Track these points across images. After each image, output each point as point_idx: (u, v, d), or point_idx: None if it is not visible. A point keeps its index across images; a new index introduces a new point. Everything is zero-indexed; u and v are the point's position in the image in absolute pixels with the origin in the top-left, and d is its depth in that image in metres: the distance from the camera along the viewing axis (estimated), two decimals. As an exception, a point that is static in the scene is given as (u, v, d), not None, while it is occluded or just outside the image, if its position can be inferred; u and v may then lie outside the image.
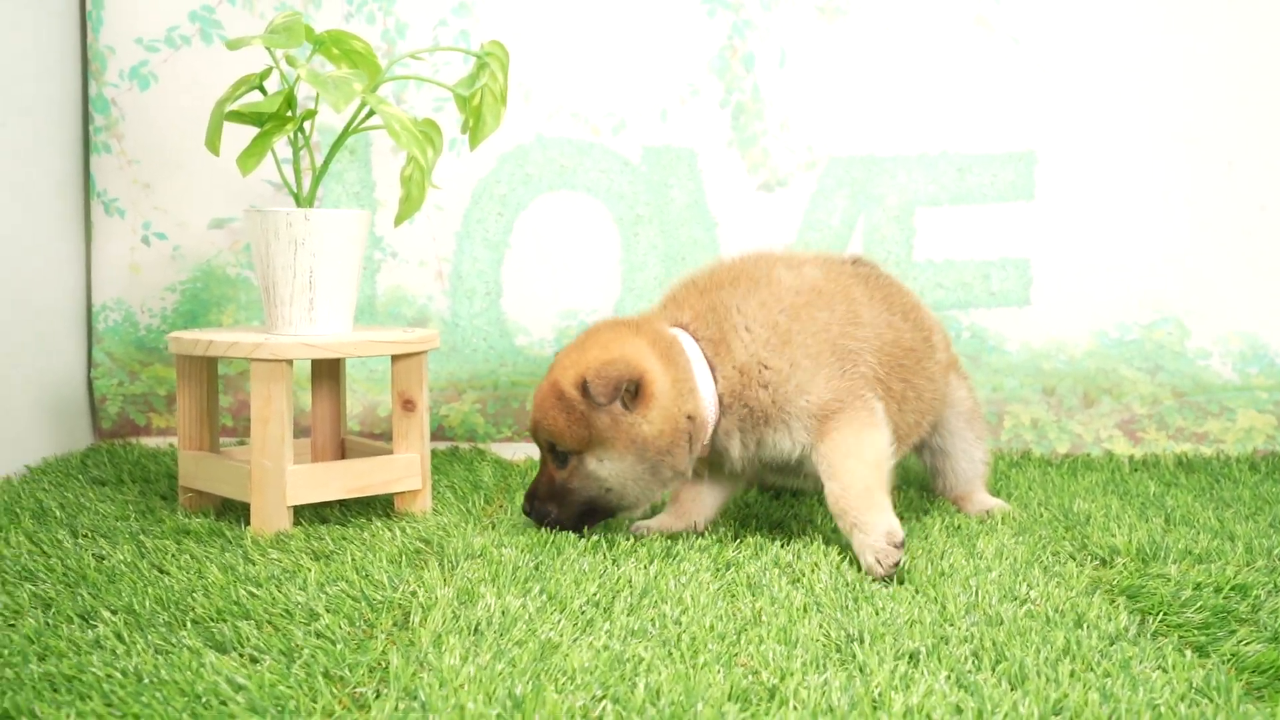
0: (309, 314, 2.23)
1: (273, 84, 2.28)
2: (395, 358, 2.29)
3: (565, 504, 2.07)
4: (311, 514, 2.28)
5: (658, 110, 2.89)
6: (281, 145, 2.32)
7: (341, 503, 2.35)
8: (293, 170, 2.27)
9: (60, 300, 2.80)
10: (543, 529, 2.08)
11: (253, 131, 2.40)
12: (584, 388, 1.99)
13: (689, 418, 2.02)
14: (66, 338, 2.83)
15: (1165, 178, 2.91)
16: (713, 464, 2.16)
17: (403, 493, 2.31)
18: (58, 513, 2.20)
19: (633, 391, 1.99)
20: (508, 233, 2.90)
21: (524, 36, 2.84)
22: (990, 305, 2.93)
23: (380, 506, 2.36)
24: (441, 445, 2.94)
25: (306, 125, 2.26)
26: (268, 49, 2.19)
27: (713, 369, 2.06)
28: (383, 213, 2.88)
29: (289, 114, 2.20)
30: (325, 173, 2.28)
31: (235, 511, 2.29)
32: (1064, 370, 2.93)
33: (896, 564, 1.86)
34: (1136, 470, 2.82)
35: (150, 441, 2.94)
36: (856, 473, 1.98)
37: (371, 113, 2.25)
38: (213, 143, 2.21)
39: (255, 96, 2.26)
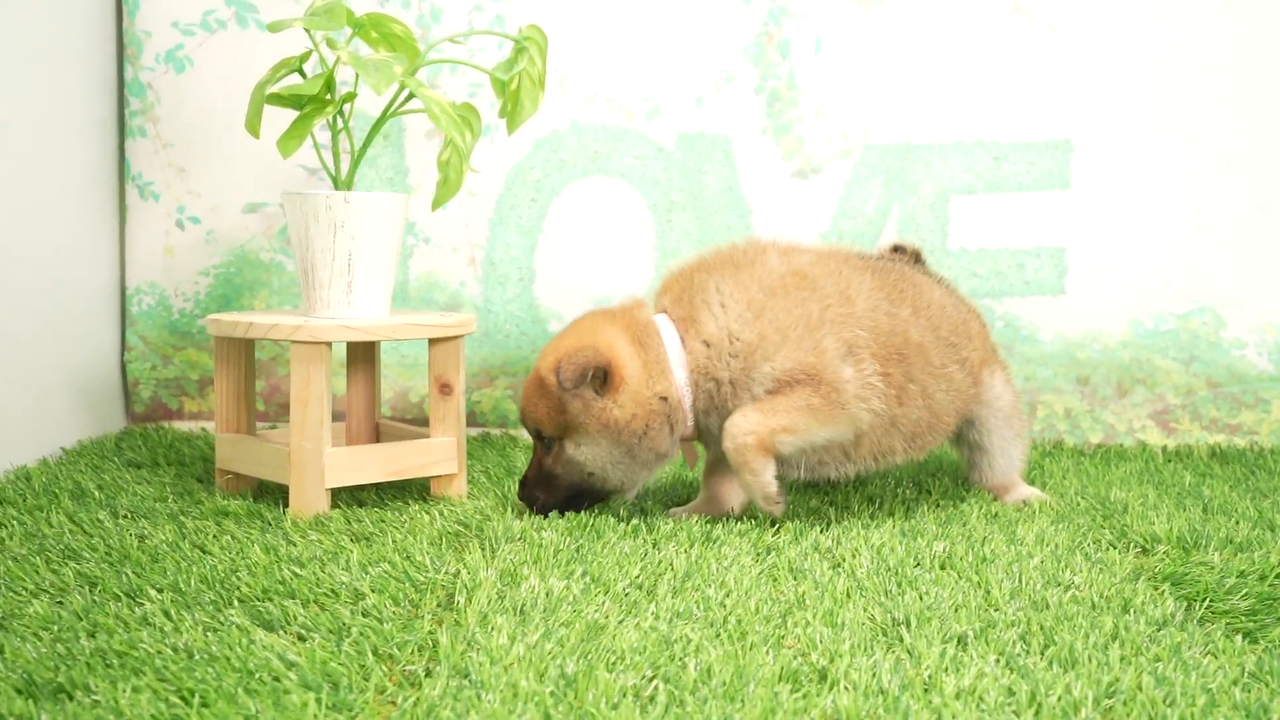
0: (347, 297, 2.23)
1: (310, 67, 2.28)
2: (433, 342, 2.29)
3: (552, 489, 2.13)
4: (348, 496, 2.28)
5: (693, 96, 2.89)
6: (318, 129, 2.32)
7: (377, 486, 2.35)
8: (331, 153, 2.27)
9: (94, 283, 2.80)
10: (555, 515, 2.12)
11: (289, 115, 2.41)
12: (557, 374, 2.05)
13: (662, 398, 2.07)
14: (100, 321, 2.84)
15: (1202, 167, 2.89)
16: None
17: (439, 476, 2.31)
18: (96, 494, 2.21)
19: (601, 378, 2.05)
20: (541, 218, 2.90)
21: (559, 21, 2.84)
22: (1025, 294, 2.92)
23: (416, 490, 2.36)
24: (474, 431, 2.94)
25: (345, 108, 2.26)
26: (308, 31, 2.19)
27: (685, 346, 2.10)
28: (415, 198, 2.88)
29: (328, 97, 2.20)
30: (364, 156, 2.28)
31: (272, 494, 2.29)
32: (1098, 360, 2.92)
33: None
34: (1170, 461, 2.80)
35: (182, 425, 2.94)
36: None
37: (411, 96, 2.25)
38: (253, 125, 2.21)
39: (294, 79, 2.26)
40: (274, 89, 2.21)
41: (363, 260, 2.22)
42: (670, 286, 2.19)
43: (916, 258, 2.42)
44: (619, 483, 2.12)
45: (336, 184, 2.28)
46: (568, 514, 2.10)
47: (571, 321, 2.21)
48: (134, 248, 2.89)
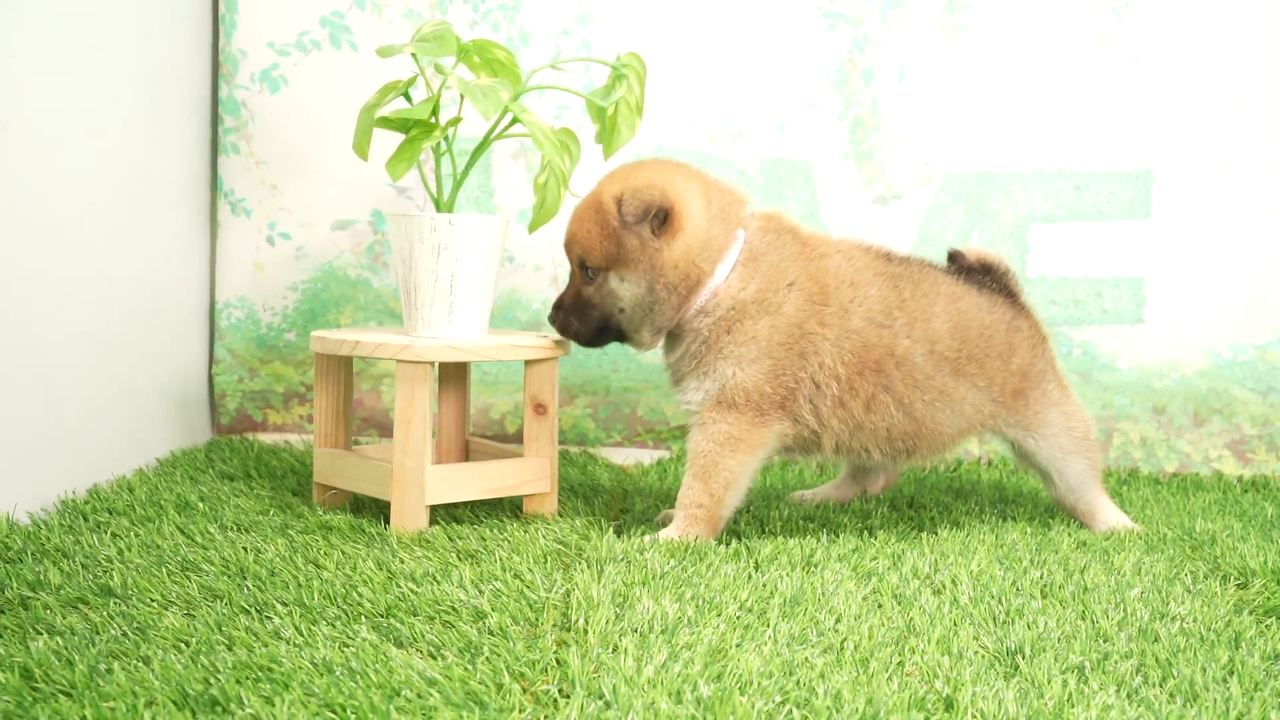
0: (449, 317, 2.27)
1: (414, 90, 2.33)
2: (529, 363, 2.32)
3: (585, 318, 2.22)
4: (444, 513, 2.32)
5: (776, 122, 2.92)
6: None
7: (471, 503, 2.39)
8: (434, 176, 2.32)
9: (186, 297, 2.86)
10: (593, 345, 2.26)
11: (390, 136, 2.45)
12: (620, 203, 2.12)
13: (700, 268, 2.14)
14: (190, 334, 2.89)
15: (1282, 199, 2.91)
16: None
17: (531, 495, 2.34)
18: (200, 505, 2.26)
19: (661, 218, 2.13)
20: (624, 240, 2.93)
21: (645, 46, 2.88)
22: (1103, 322, 2.94)
23: (508, 507, 2.40)
24: (552, 448, 2.98)
25: (450, 132, 2.30)
26: (414, 57, 2.23)
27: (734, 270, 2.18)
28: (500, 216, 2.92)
29: (433, 120, 2.25)
30: (465, 179, 2.33)
31: (369, 509, 2.34)
32: (1175, 389, 2.94)
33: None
34: (1247, 491, 2.82)
35: (266, 437, 2.99)
36: (698, 490, 2.17)
37: (514, 121, 2.29)
38: (361, 147, 2.26)
39: (399, 102, 2.31)
40: (382, 112, 2.25)
41: (464, 281, 2.26)
42: (768, 222, 2.25)
43: (987, 269, 2.41)
44: (637, 327, 2.20)
45: (439, 206, 2.32)
46: (666, 539, 2.13)
47: (649, 160, 2.27)
48: (225, 262, 2.94)
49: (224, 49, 2.89)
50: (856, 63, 2.91)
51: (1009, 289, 2.40)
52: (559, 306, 2.24)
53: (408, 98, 2.30)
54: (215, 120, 2.94)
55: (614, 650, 1.56)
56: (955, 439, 2.32)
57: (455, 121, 2.28)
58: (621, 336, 2.24)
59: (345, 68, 2.87)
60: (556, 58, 2.89)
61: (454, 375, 2.53)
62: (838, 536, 2.23)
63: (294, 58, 2.88)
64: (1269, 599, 1.90)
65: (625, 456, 2.98)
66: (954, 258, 2.42)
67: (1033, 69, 2.90)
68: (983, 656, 1.59)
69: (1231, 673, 1.55)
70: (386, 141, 2.48)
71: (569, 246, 2.22)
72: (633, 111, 2.37)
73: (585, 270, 2.19)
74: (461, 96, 2.25)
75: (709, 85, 2.92)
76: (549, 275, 2.95)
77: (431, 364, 2.19)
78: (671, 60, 2.91)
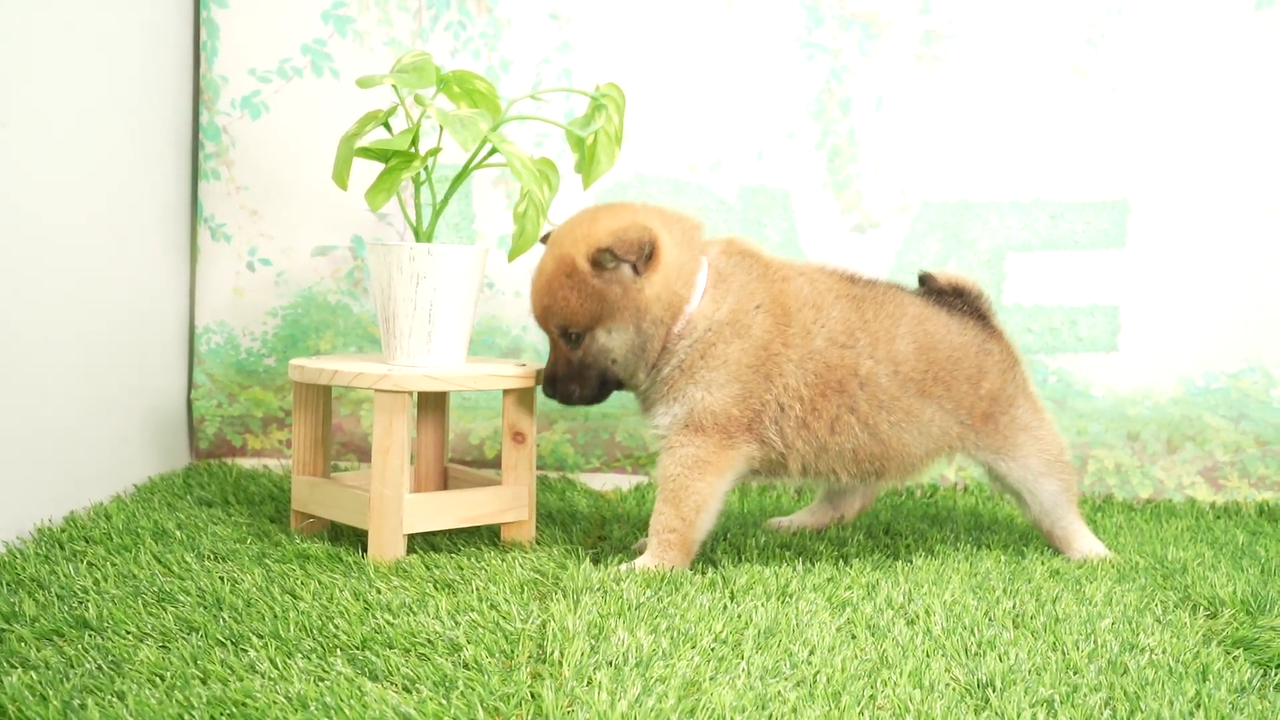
0: (427, 346, 2.28)
1: (394, 119, 2.34)
2: (507, 391, 2.34)
3: (585, 381, 2.22)
4: (422, 541, 2.33)
5: (754, 151, 2.94)
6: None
7: (449, 530, 2.40)
8: (414, 205, 2.33)
9: (165, 321, 2.86)
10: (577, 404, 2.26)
11: (370, 165, 2.47)
12: (602, 255, 2.11)
13: (679, 294, 2.17)
14: (169, 358, 2.90)
15: (1256, 230, 2.94)
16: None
17: (509, 523, 2.35)
18: (178, 534, 2.26)
19: (648, 255, 2.14)
20: (603, 267, 2.95)
21: (625, 75, 2.90)
22: (1078, 350, 2.96)
23: (485, 534, 2.41)
24: (531, 474, 2.99)
25: (429, 161, 2.31)
26: (394, 88, 2.25)
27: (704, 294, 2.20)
28: (480, 244, 2.93)
29: (413, 150, 2.26)
30: (445, 208, 2.34)
31: (346, 537, 2.34)
32: (1148, 416, 2.96)
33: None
34: (1219, 517, 2.84)
35: (245, 462, 2.99)
36: (669, 515, 2.18)
37: (493, 150, 2.31)
38: (341, 177, 2.27)
39: (379, 132, 2.32)
40: (362, 142, 2.27)
41: (443, 311, 2.28)
42: (729, 245, 2.27)
43: (959, 292, 2.43)
44: (633, 372, 2.21)
45: (418, 235, 2.34)
46: (642, 568, 2.14)
47: (591, 208, 2.26)
48: (204, 288, 2.95)
49: (205, 75, 2.90)
50: (834, 92, 2.94)
51: (981, 312, 2.42)
52: (551, 380, 2.23)
53: (388, 127, 2.31)
54: (196, 146, 2.95)
55: (588, 684, 1.56)
56: (923, 460, 2.34)
57: (435, 152, 2.29)
58: (620, 384, 2.26)
59: (326, 95, 2.88)
60: (536, 86, 2.90)
61: (433, 403, 2.54)
62: (813, 565, 2.24)
63: (275, 84, 2.90)
64: (1237, 629, 1.91)
65: (604, 482, 2.99)
66: (925, 280, 2.45)
67: (1009, 99, 2.93)
68: (954, 689, 1.61)
69: (1199, 706, 1.57)
70: (366, 171, 2.49)
71: (544, 319, 2.22)
72: (612, 141, 2.39)
73: (569, 336, 2.19)
74: (441, 126, 2.26)
75: (688, 114, 2.94)
76: (528, 302, 2.95)
77: (410, 393, 2.20)
78: (651, 89, 2.94)
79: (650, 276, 2.15)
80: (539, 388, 2.30)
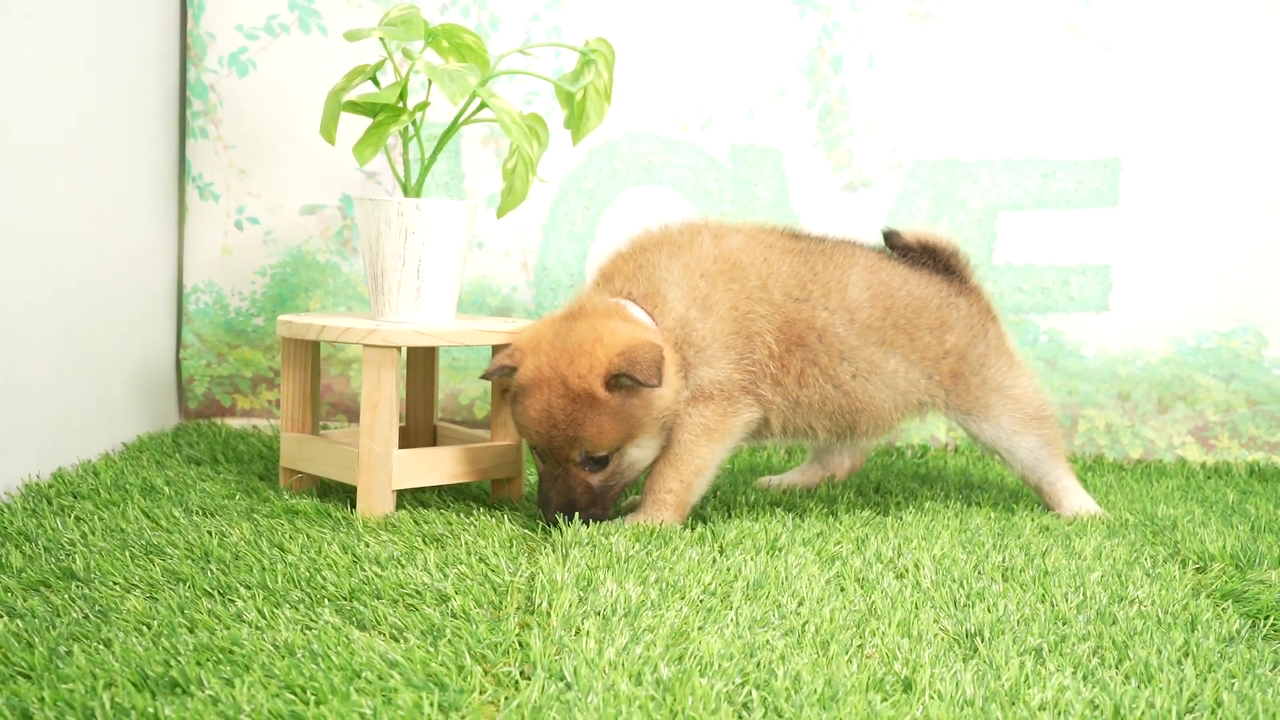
0: (415, 302, 2.27)
1: (382, 74, 2.32)
2: (496, 348, 2.33)
3: (606, 502, 2.13)
4: (411, 497, 2.33)
5: (745, 109, 2.93)
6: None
7: (438, 487, 2.40)
8: (402, 162, 2.31)
9: (154, 282, 2.85)
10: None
11: (358, 121, 2.45)
12: (622, 380, 2.04)
13: (679, 357, 2.16)
14: (158, 319, 2.88)
15: (1248, 188, 2.93)
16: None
17: (499, 479, 2.35)
18: (166, 490, 2.25)
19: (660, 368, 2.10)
20: (594, 226, 2.94)
21: (615, 32, 2.88)
22: (1069, 310, 2.96)
23: (475, 491, 2.40)
24: (522, 434, 2.98)
25: (417, 116, 2.30)
26: (382, 41, 2.23)
27: (655, 323, 2.17)
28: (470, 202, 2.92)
29: (401, 105, 2.24)
30: (433, 163, 2.32)
31: (335, 493, 2.34)
32: (1139, 376, 2.96)
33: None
34: (1210, 477, 2.85)
35: (235, 422, 2.99)
36: (669, 476, 2.16)
37: (482, 106, 2.29)
38: (328, 131, 2.25)
39: (368, 87, 2.30)
40: (349, 96, 2.25)
41: (432, 266, 2.26)
42: (614, 272, 2.24)
43: (928, 250, 2.41)
44: (657, 452, 2.18)
45: (406, 190, 2.32)
46: (633, 523, 2.14)
47: (549, 336, 2.11)
48: (193, 247, 2.93)
49: (192, 32, 2.87)
50: (826, 50, 2.92)
51: (954, 269, 2.41)
52: (567, 509, 2.09)
53: (375, 82, 2.29)
54: (183, 104, 2.93)
55: (576, 632, 1.56)
56: (894, 415, 2.33)
57: (423, 106, 2.28)
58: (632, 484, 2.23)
59: (314, 52, 2.86)
60: (526, 43, 2.88)
61: (422, 360, 2.53)
62: (803, 521, 2.24)
63: (263, 41, 2.87)
64: (1226, 583, 1.92)
65: (594, 442, 2.98)
66: (889, 237, 2.44)
67: (1001, 57, 2.92)
68: (942, 639, 1.61)
69: (1186, 654, 1.57)
70: (354, 126, 2.47)
71: (566, 450, 2.07)
72: (601, 97, 2.37)
73: (594, 461, 2.09)
74: (429, 81, 2.24)
75: (679, 71, 2.92)
76: (518, 261, 2.94)
77: (398, 348, 2.19)
78: (641, 46, 2.92)
79: (665, 380, 2.09)
80: (559, 521, 2.10)
